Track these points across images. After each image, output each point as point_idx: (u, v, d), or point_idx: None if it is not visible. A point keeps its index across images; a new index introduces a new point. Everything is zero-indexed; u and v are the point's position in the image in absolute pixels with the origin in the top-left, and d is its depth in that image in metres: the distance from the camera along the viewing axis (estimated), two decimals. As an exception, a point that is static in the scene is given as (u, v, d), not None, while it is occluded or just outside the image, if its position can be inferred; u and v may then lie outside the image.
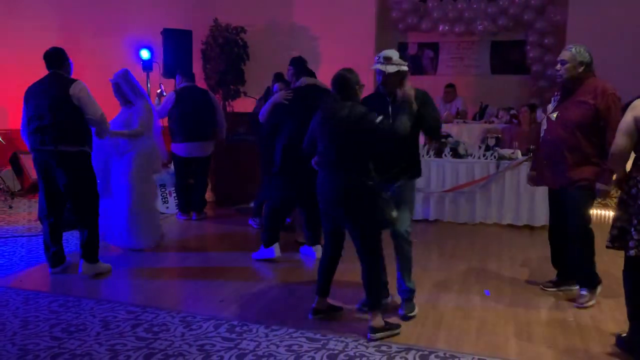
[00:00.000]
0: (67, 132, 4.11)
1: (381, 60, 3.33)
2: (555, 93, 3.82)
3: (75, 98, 4.09)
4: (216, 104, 6.21)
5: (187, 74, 6.17)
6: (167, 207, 6.59)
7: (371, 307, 3.26)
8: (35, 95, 4.18)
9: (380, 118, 3.11)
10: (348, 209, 3.20)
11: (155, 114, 5.61)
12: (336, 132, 3.19)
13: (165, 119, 6.09)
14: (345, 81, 3.21)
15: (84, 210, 4.30)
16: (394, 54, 3.35)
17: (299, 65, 4.82)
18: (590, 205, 3.67)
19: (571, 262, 3.83)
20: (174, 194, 6.51)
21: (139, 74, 6.80)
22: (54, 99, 4.09)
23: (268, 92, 5.52)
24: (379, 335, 3.19)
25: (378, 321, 3.22)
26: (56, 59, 4.22)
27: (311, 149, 3.41)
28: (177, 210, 6.40)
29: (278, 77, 5.46)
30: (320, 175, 3.33)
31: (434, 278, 4.26)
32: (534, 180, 3.98)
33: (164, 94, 6.29)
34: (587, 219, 3.65)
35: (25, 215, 6.43)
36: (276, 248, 4.68)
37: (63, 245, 4.44)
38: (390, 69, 3.31)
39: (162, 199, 6.63)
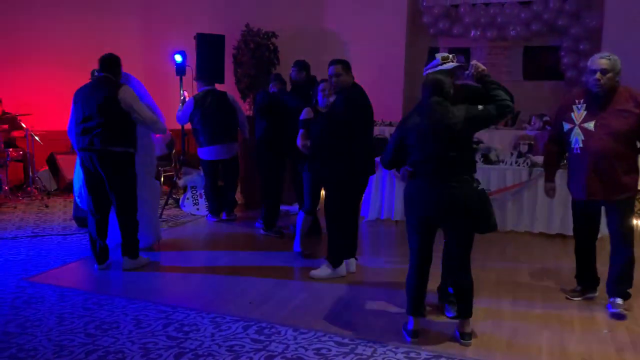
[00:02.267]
0: (114, 133, 4.31)
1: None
2: (577, 101, 3.67)
3: (123, 102, 4.29)
4: (236, 105, 6.30)
5: (205, 78, 6.28)
6: (198, 209, 6.69)
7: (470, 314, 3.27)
8: (85, 97, 4.36)
9: (481, 106, 3.11)
10: (468, 217, 3.14)
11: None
12: (448, 138, 3.09)
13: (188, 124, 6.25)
14: (441, 84, 3.15)
15: (126, 208, 4.48)
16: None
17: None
18: (634, 213, 3.69)
19: (615, 273, 3.72)
20: (204, 196, 6.60)
21: (172, 78, 6.95)
22: (103, 102, 4.28)
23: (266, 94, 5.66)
24: (470, 342, 3.22)
25: (469, 327, 3.26)
26: (109, 64, 4.43)
27: (397, 159, 3.34)
28: (207, 212, 6.49)
29: (277, 77, 5.76)
30: (419, 186, 3.19)
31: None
32: (554, 192, 3.99)
33: (186, 100, 6.40)
34: (633, 227, 3.66)
35: (61, 214, 6.59)
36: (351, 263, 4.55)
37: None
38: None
39: (192, 200, 6.74)
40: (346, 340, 3.24)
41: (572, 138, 3.66)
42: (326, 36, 9.49)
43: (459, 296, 3.29)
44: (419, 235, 3.24)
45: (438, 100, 3.15)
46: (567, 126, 3.69)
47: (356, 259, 4.58)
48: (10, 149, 7.28)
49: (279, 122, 5.43)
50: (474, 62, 3.31)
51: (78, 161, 4.80)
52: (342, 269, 4.42)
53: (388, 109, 7.75)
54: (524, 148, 6.35)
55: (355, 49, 9.02)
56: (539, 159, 5.91)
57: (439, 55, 3.45)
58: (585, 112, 3.61)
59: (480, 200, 3.15)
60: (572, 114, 3.66)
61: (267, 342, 3.21)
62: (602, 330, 3.46)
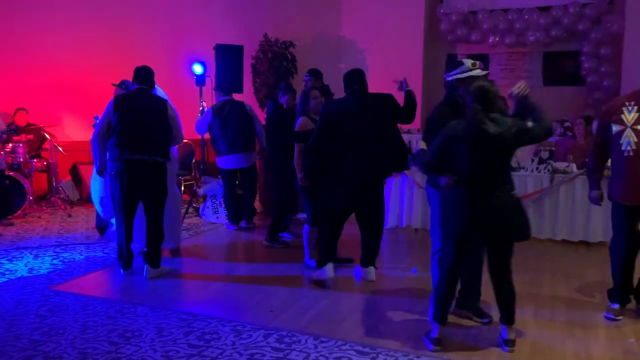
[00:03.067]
0: (160, 144, 4.52)
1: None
2: (627, 103, 3.56)
3: (169, 117, 4.58)
4: (253, 114, 6.34)
5: (224, 89, 6.35)
6: (217, 217, 6.74)
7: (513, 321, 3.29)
8: (132, 108, 4.48)
9: (530, 124, 3.13)
10: (509, 226, 3.14)
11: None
12: (498, 149, 3.07)
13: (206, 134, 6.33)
14: (487, 93, 3.09)
15: (159, 217, 4.61)
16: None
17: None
18: None
19: None
20: (224, 204, 6.65)
21: (192, 88, 7.04)
22: (154, 115, 4.50)
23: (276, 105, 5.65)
24: (514, 348, 3.22)
25: (513, 334, 3.27)
26: (146, 75, 4.59)
27: (439, 164, 3.28)
28: (226, 221, 6.54)
29: (287, 87, 5.73)
30: (463, 194, 3.14)
31: (484, 293, 4.16)
32: (601, 199, 3.79)
33: (205, 110, 6.48)
34: None
35: (84, 223, 6.70)
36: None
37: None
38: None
39: (212, 209, 6.80)
40: (367, 350, 3.22)
41: (623, 140, 3.51)
42: (344, 44, 9.53)
43: (503, 304, 3.27)
44: (456, 244, 3.22)
45: (487, 108, 3.07)
46: (616, 128, 3.56)
47: (376, 267, 4.56)
48: (35, 160, 7.43)
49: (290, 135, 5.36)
50: (521, 83, 3.28)
51: (95, 171, 4.91)
52: (327, 269, 4.35)
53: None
54: (544, 154, 6.28)
55: (373, 57, 9.04)
56: (560, 165, 5.85)
57: (467, 62, 3.45)
58: (638, 114, 3.48)
59: (519, 209, 3.18)
60: (622, 115, 3.53)
61: (288, 351, 3.21)
62: (628, 338, 3.39)
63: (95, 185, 5.31)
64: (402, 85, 4.34)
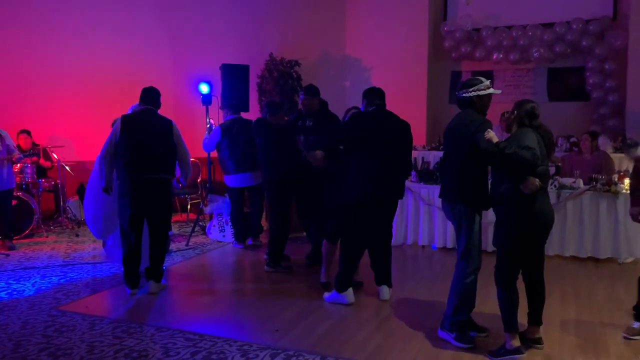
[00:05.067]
0: (167, 162, 4.65)
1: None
2: None
3: (176, 135, 4.70)
4: None
5: (231, 107, 6.39)
6: (224, 236, 6.74)
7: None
8: (140, 128, 4.56)
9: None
10: None
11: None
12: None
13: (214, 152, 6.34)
14: (536, 111, 3.40)
15: (164, 233, 4.73)
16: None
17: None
18: None
19: None
20: (230, 223, 6.65)
21: (199, 107, 7.10)
22: (162, 134, 4.61)
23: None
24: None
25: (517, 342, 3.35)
26: (152, 96, 4.69)
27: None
28: (233, 239, 6.53)
29: (276, 105, 5.56)
30: (542, 201, 3.34)
31: (493, 311, 4.12)
32: None
33: (213, 127, 6.52)
34: None
35: (91, 243, 6.71)
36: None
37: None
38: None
39: (219, 227, 6.80)
40: (374, 369, 3.19)
41: None
42: (348, 63, 9.61)
43: (539, 305, 3.50)
44: (526, 252, 3.38)
45: (536, 125, 3.39)
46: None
47: (390, 286, 4.53)
48: (42, 180, 7.49)
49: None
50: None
51: (92, 187, 5.04)
52: (347, 295, 4.32)
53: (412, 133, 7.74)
54: (551, 170, 6.26)
55: (378, 74, 9.11)
56: (567, 180, 5.83)
57: (483, 79, 3.56)
58: None
59: None
60: None
61: (295, 371, 3.18)
62: (638, 356, 3.35)
63: (89, 205, 5.25)
64: None
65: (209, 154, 6.76)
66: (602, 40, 8.51)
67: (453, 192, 3.56)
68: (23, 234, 6.88)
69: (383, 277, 4.49)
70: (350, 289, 4.35)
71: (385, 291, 4.46)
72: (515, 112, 3.42)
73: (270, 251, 5.38)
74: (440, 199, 3.75)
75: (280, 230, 5.35)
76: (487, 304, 4.04)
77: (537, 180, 3.21)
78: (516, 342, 3.30)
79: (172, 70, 8.59)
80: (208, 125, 6.73)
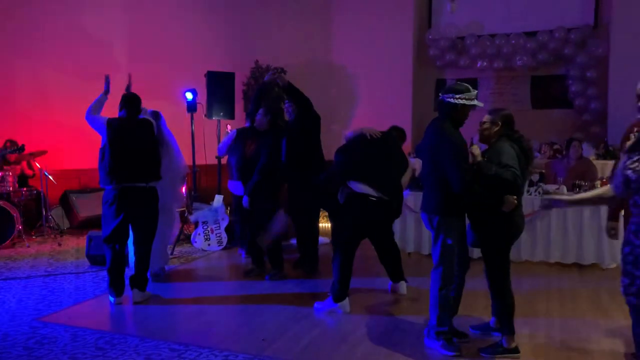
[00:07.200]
0: (154, 170, 4.63)
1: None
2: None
3: (158, 133, 4.74)
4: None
5: (247, 115, 6.29)
6: (209, 244, 6.67)
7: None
8: (126, 136, 4.52)
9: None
10: None
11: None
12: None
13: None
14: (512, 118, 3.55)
15: (148, 241, 4.66)
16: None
17: None
18: None
19: None
20: (216, 231, 6.60)
21: (183, 115, 7.05)
22: (144, 141, 4.59)
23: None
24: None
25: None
26: (133, 103, 4.66)
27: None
28: (218, 247, 6.48)
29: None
30: (517, 212, 3.46)
31: (480, 319, 4.13)
32: (616, 233, 3.66)
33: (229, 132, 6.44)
34: None
35: (74, 252, 6.61)
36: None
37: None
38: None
39: (204, 236, 6.74)
40: (361, 377, 3.17)
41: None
42: (334, 70, 9.63)
43: (510, 315, 3.53)
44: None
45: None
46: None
47: (405, 281, 4.76)
48: (24, 188, 7.37)
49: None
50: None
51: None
52: (343, 306, 4.32)
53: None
54: (535, 177, 6.32)
55: (363, 83, 9.13)
56: (551, 187, 5.88)
57: (473, 90, 3.56)
58: None
59: None
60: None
61: (281, 381, 3.15)
62: (625, 362, 3.37)
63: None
64: None
65: (221, 156, 6.60)
66: (583, 49, 8.65)
67: (429, 203, 3.58)
68: (4, 244, 6.76)
69: (398, 273, 4.75)
70: (347, 300, 4.34)
71: (403, 286, 4.74)
72: (500, 123, 3.46)
73: (274, 256, 5.41)
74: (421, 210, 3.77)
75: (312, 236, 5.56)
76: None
77: (514, 197, 3.32)
78: (513, 344, 3.44)
79: (157, 77, 8.52)
80: (227, 131, 6.65)
